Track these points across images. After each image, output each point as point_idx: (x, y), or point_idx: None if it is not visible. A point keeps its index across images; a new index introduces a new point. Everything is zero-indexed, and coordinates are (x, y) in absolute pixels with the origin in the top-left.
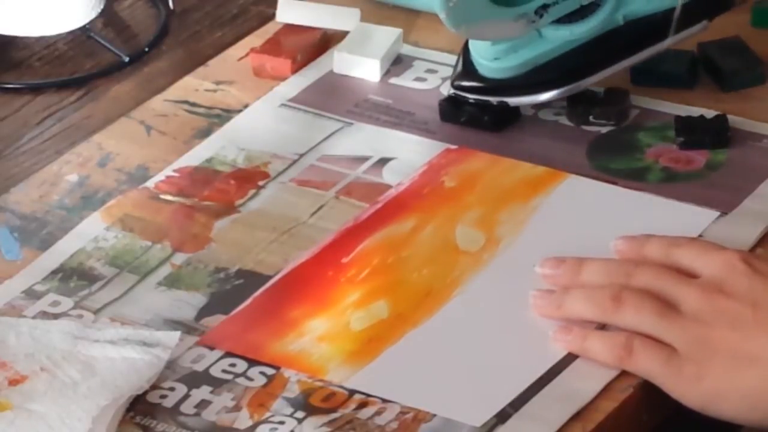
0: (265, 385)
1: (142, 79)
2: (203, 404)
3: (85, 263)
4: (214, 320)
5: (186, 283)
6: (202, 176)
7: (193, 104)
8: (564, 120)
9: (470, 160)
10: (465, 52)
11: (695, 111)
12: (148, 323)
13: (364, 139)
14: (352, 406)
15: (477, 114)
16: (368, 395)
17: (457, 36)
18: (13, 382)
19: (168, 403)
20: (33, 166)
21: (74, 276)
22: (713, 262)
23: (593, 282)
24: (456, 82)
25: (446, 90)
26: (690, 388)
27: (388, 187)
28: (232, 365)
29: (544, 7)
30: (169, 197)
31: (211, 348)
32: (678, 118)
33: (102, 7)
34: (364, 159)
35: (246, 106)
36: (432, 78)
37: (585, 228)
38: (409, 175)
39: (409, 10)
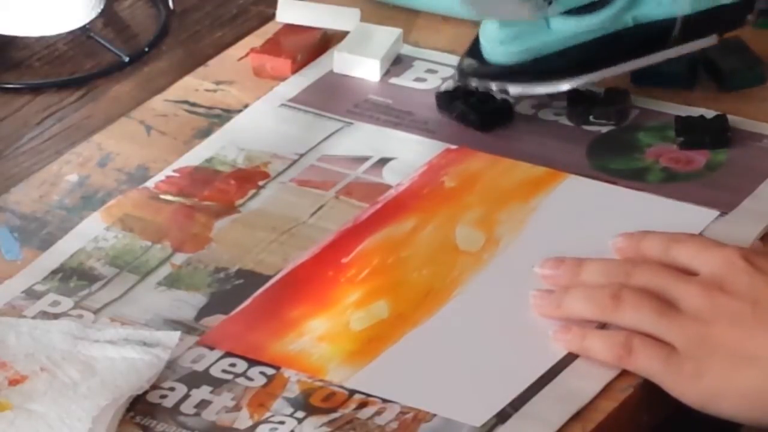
0: (265, 385)
1: (142, 79)
2: (203, 404)
3: (85, 263)
4: (214, 320)
5: (186, 283)
6: (202, 176)
7: (193, 104)
8: (564, 120)
9: (470, 160)
10: (475, 40)
11: (695, 111)
12: (148, 323)
13: (364, 139)
14: (352, 406)
15: (467, 111)
16: (368, 395)
17: (457, 36)
18: (13, 382)
19: (168, 403)
20: (33, 166)
21: (74, 276)
22: (713, 259)
23: (593, 282)
24: (460, 66)
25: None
26: (689, 387)
27: (388, 187)
28: (232, 365)
29: None
30: (169, 197)
31: (211, 348)
32: (678, 118)
33: (102, 7)
34: (364, 159)
35: (246, 106)
36: (432, 78)
37: (585, 228)
38: (409, 175)
39: (409, 10)
